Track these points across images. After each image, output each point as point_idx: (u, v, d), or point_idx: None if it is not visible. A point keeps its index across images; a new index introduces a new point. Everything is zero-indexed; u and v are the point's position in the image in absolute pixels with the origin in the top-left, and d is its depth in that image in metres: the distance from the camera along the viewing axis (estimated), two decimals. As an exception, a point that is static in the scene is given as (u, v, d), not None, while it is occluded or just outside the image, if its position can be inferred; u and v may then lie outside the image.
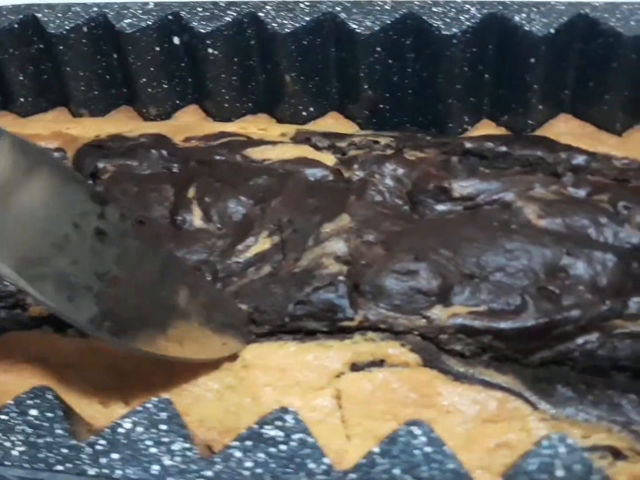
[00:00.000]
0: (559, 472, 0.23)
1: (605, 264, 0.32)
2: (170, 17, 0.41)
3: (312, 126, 0.41)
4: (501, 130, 0.41)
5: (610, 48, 0.37)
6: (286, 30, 0.39)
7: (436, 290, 0.31)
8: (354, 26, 0.38)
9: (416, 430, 0.24)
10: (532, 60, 0.37)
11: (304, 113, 0.42)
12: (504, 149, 0.36)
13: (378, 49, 0.39)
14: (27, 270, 0.25)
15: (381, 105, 0.41)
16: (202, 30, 0.40)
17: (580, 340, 0.30)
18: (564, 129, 0.40)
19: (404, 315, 0.31)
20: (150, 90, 0.43)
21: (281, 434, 0.24)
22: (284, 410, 0.25)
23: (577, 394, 0.29)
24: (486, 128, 0.41)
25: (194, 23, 0.40)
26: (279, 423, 0.24)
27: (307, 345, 0.31)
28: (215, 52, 0.40)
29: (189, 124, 0.41)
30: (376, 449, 0.24)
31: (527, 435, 0.29)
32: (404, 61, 0.40)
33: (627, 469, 0.28)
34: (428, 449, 0.23)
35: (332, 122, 0.42)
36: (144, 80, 0.42)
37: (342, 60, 0.40)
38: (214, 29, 0.40)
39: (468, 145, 0.37)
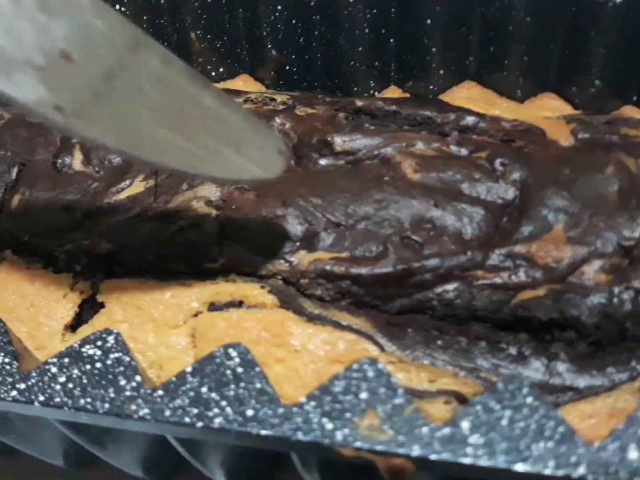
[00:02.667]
0: (364, 395, 0.22)
1: (473, 216, 0.32)
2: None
3: (218, 85, 0.41)
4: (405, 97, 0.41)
5: (506, 11, 0.37)
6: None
7: (301, 236, 0.31)
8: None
9: (232, 352, 0.24)
10: (429, 22, 0.38)
11: (213, 73, 0.42)
12: (393, 108, 0.37)
13: (279, 7, 0.39)
14: None
15: (287, 67, 0.41)
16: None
17: (438, 290, 0.30)
18: (466, 94, 0.40)
19: (268, 259, 0.31)
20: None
21: (99, 352, 0.24)
22: (108, 331, 0.25)
23: (427, 339, 0.29)
24: (392, 94, 0.41)
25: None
26: (99, 343, 0.24)
27: (167, 284, 0.31)
28: (123, 9, 0.41)
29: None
30: (189, 369, 0.24)
31: (373, 378, 0.29)
32: (309, 22, 0.40)
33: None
34: (239, 370, 0.23)
35: (242, 84, 0.42)
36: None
37: (248, 19, 0.41)
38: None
39: (359, 103, 0.37)
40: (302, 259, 0.31)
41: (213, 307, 0.30)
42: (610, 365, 0.28)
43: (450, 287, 0.30)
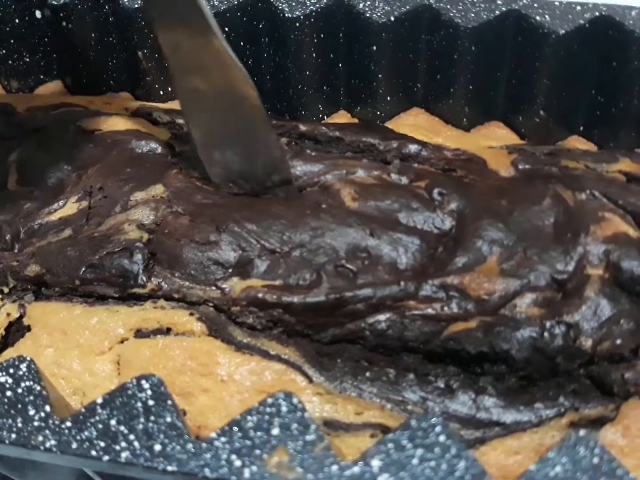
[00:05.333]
0: (275, 430, 0.22)
1: (408, 246, 0.31)
2: (30, -10, 0.41)
3: (165, 105, 0.41)
4: (353, 122, 0.41)
5: (452, 40, 0.37)
6: (136, 5, 0.39)
7: (233, 263, 0.31)
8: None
9: (144, 384, 0.23)
10: (374, 48, 0.38)
11: (161, 92, 0.42)
12: (336, 134, 0.36)
13: (226, 29, 0.39)
14: None
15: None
16: (55, 3, 0.40)
17: (370, 320, 0.30)
18: (412, 121, 0.40)
19: (199, 285, 0.31)
20: (11, 63, 0.42)
21: (10, 380, 0.23)
22: (21, 358, 0.24)
23: (356, 370, 0.29)
24: (341, 119, 0.41)
25: (49, -3, 0.40)
26: (11, 370, 0.24)
27: (94, 309, 0.30)
28: (70, 26, 0.40)
29: (40, 96, 0.41)
30: (99, 400, 0.23)
31: (300, 409, 0.28)
32: (257, 45, 0.40)
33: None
34: (151, 402, 0.23)
35: (190, 104, 0.42)
36: (4, 52, 0.42)
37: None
38: (67, 2, 0.40)
39: (302, 128, 0.37)
40: (234, 286, 0.30)
41: (140, 333, 0.30)
42: (538, 401, 0.28)
43: (382, 317, 0.30)
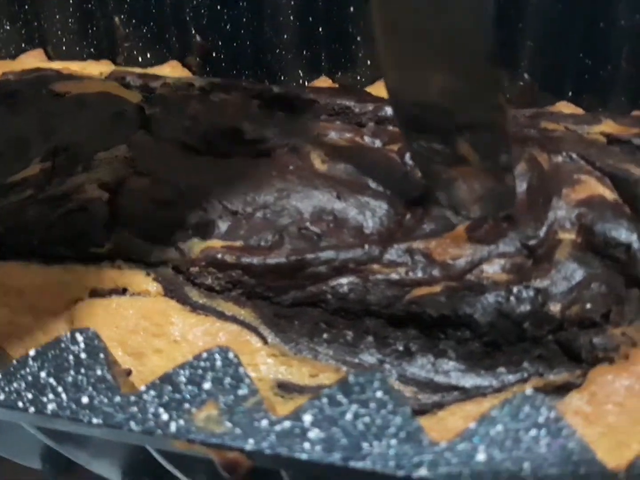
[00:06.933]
0: (207, 385, 0.21)
1: (375, 211, 0.30)
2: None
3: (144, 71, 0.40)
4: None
5: None
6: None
7: (194, 223, 0.30)
8: (178, -33, 0.38)
9: (78, 337, 0.22)
10: (351, 9, 0.36)
11: (140, 59, 0.41)
12: (310, 96, 0.35)
13: (203, -8, 0.38)
14: None
15: (214, 54, 0.40)
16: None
17: (332, 283, 0.29)
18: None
19: (158, 245, 0.30)
20: (-10, 30, 0.42)
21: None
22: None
23: (313, 332, 0.28)
24: (322, 84, 0.40)
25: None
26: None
27: (51, 269, 0.30)
28: (47, -8, 0.40)
29: (17, 64, 0.41)
30: (32, 352, 0.22)
31: (254, 370, 0.27)
32: (235, 8, 0.39)
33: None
34: (83, 355, 0.22)
35: (170, 70, 0.41)
36: (-17, 19, 0.42)
37: (173, 4, 0.39)
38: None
39: (276, 90, 0.36)
40: (193, 246, 0.30)
41: (95, 293, 0.29)
42: (501, 366, 0.27)
43: (344, 280, 0.29)
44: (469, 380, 0.26)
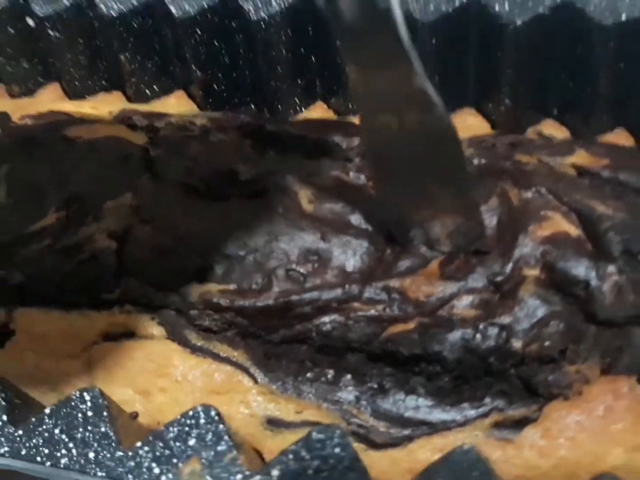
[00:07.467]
0: (192, 441, 0.25)
1: (357, 249, 0.33)
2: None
3: (149, 105, 0.43)
4: (330, 113, 0.42)
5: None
6: (112, 13, 0.41)
7: (192, 269, 0.33)
8: (173, 10, 0.40)
9: (86, 396, 0.26)
10: (337, 42, 0.38)
11: (147, 91, 0.44)
12: (301, 133, 0.38)
13: (198, 31, 0.40)
14: None
15: (215, 86, 0.43)
16: (39, 14, 0.42)
17: (317, 321, 0.32)
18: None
19: (162, 291, 0.33)
20: (10, 69, 0.45)
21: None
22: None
23: (299, 371, 0.31)
24: (318, 110, 0.42)
25: (35, 6, 0.42)
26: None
27: (69, 315, 0.33)
28: (57, 34, 0.43)
29: (36, 102, 0.44)
30: (47, 410, 0.26)
31: (246, 408, 0.31)
32: (231, 44, 0.41)
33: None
34: (90, 413, 0.26)
35: (175, 102, 0.44)
36: (2, 59, 0.45)
37: (174, 42, 0.42)
38: (51, 13, 0.42)
39: (268, 128, 0.38)
40: (192, 291, 0.33)
41: (107, 337, 0.33)
42: (465, 401, 0.30)
43: (327, 318, 0.32)
44: (436, 415, 0.29)
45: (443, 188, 0.30)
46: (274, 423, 0.30)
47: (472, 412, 0.29)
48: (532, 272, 0.31)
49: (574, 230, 0.31)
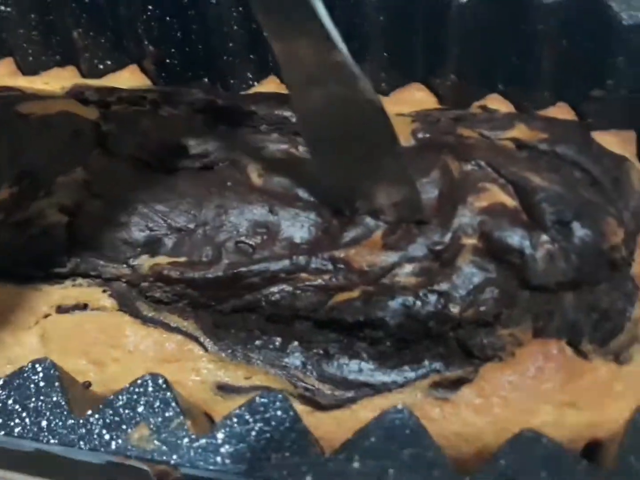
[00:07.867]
0: (140, 408, 0.26)
1: (304, 221, 0.34)
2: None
3: (102, 80, 0.43)
4: (283, 87, 0.43)
5: (359, 10, 0.38)
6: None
7: (143, 242, 0.34)
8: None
9: (38, 367, 0.27)
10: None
11: (101, 66, 0.44)
12: (251, 108, 0.38)
13: (151, 6, 0.40)
14: None
15: (168, 61, 0.43)
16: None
17: (265, 291, 0.33)
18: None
19: (113, 263, 0.34)
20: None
21: None
22: None
23: (247, 339, 0.32)
24: (271, 84, 0.43)
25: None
26: None
27: (23, 289, 0.34)
28: (9, 10, 0.43)
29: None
30: (0, 381, 0.27)
31: (197, 375, 0.32)
32: (184, 18, 0.41)
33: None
34: (42, 383, 0.27)
35: (129, 76, 0.44)
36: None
37: (127, 17, 0.42)
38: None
39: (219, 103, 0.39)
40: (143, 263, 0.34)
41: (61, 309, 0.33)
42: (406, 364, 0.31)
43: (275, 288, 0.33)
44: (378, 378, 0.31)
45: (376, 160, 0.31)
46: (224, 389, 0.31)
47: (412, 374, 0.31)
48: (470, 241, 0.32)
49: (510, 202, 0.33)
